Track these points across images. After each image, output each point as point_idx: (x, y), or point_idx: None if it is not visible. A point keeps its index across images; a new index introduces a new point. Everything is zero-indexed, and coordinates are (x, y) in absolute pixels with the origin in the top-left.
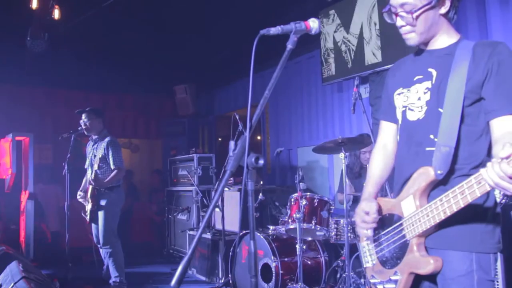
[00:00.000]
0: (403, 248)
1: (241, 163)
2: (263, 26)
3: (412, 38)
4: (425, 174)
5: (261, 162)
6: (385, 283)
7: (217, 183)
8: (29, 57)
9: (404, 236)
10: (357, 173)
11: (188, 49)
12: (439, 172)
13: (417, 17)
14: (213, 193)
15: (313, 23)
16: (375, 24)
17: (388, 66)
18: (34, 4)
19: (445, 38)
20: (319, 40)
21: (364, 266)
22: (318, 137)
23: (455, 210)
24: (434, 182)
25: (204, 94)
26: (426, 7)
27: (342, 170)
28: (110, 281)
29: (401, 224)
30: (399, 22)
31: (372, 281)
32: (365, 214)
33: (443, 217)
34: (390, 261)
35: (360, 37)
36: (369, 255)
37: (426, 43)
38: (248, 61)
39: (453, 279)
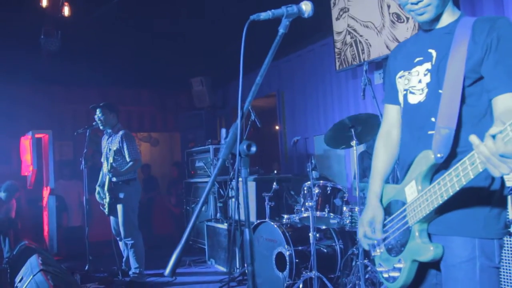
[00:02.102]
0: (406, 235)
1: (233, 150)
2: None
3: (429, 12)
4: (426, 158)
5: (253, 149)
6: (390, 271)
7: (232, 173)
8: (45, 55)
9: (407, 222)
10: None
11: (203, 41)
12: (439, 155)
13: None
14: (229, 183)
15: (305, 6)
16: (389, 7)
17: None
18: (44, 3)
19: (446, 16)
20: (332, 26)
21: (372, 254)
22: None
23: (451, 193)
24: (436, 166)
25: (220, 85)
26: None
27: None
28: (130, 272)
29: (404, 210)
30: None
31: (379, 269)
32: (369, 227)
33: (440, 202)
34: (395, 248)
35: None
36: (376, 243)
37: (432, 21)
38: (263, 53)
39: (455, 266)
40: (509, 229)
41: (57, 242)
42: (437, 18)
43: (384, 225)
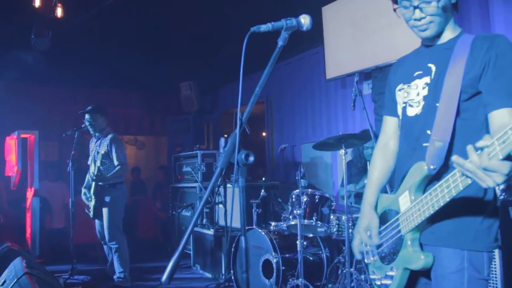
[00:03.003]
0: (399, 244)
1: (232, 160)
2: (266, 22)
3: (431, 29)
4: (419, 169)
5: (251, 158)
6: (382, 279)
7: (219, 179)
8: (34, 55)
9: (399, 231)
10: (361, 168)
11: (192, 46)
12: (432, 167)
13: (443, 6)
14: (216, 189)
15: (304, 20)
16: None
17: (391, 62)
18: (37, 3)
19: (447, 33)
20: (322, 36)
21: (366, 261)
22: (322, 134)
23: (442, 204)
24: (428, 177)
25: (208, 90)
26: None
27: (344, 167)
28: (115, 277)
29: (397, 219)
30: (417, 14)
31: (372, 277)
32: (365, 234)
33: (432, 212)
34: (388, 256)
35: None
36: (370, 251)
37: (434, 38)
38: (253, 59)
39: (444, 276)
40: (498, 243)
41: (40, 244)
42: (438, 34)
43: (379, 233)
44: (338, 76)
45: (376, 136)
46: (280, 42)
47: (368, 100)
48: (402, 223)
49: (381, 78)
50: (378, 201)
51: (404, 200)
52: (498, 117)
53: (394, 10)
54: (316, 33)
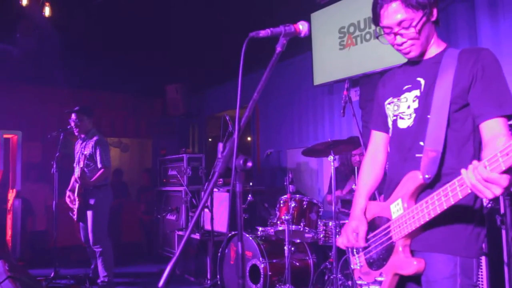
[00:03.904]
0: (389, 250)
1: (230, 165)
2: (255, 27)
3: (414, 51)
4: (413, 178)
5: (250, 164)
6: (370, 285)
7: (206, 183)
8: (19, 54)
9: (390, 238)
10: (347, 175)
11: (179, 49)
12: (426, 176)
13: (419, 29)
14: (202, 193)
15: (302, 26)
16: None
17: (379, 70)
18: (25, 1)
19: (433, 49)
20: (311, 42)
21: (352, 268)
22: (308, 139)
23: (439, 212)
24: (423, 186)
25: (195, 94)
26: (424, 17)
27: (331, 173)
28: (99, 281)
29: (388, 226)
30: (399, 40)
31: (359, 282)
32: (354, 234)
33: (427, 219)
34: (377, 262)
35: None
36: (357, 257)
37: (421, 54)
38: (238, 63)
39: (436, 281)
40: (483, 250)
41: (20, 247)
42: (423, 53)
43: (367, 240)
44: (326, 82)
45: (365, 144)
46: (279, 48)
47: (355, 107)
48: (394, 230)
49: (368, 85)
50: (367, 208)
51: (396, 207)
52: (490, 128)
53: (377, 37)
54: (304, 39)
